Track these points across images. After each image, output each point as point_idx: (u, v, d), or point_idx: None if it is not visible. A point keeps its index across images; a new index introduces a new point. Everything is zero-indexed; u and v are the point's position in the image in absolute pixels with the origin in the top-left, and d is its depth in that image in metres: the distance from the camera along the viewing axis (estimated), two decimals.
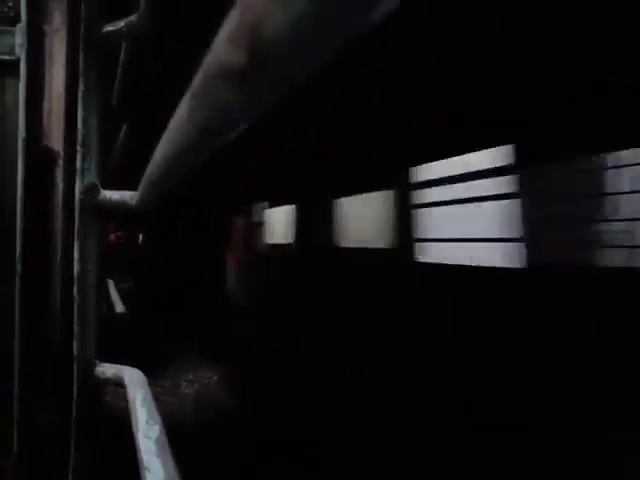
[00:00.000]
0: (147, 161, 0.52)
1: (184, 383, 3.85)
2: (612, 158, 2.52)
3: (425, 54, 3.41)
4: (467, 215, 3.52)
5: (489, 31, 3.01)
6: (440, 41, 3.23)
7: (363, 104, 4.28)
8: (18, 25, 0.85)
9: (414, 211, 4.02)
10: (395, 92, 3.89)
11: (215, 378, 3.98)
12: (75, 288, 0.81)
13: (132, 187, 0.77)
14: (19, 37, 0.85)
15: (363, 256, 4.66)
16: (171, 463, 0.44)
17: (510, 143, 3.08)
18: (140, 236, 16.99)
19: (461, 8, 2.76)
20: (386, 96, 4.00)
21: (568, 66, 2.66)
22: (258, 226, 7.60)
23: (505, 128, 3.09)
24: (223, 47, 0.18)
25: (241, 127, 0.23)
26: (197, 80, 0.22)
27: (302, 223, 5.76)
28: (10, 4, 0.86)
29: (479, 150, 3.31)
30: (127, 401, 0.61)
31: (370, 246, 4.66)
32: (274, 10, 0.15)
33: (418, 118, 3.73)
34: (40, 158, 0.88)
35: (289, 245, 6.27)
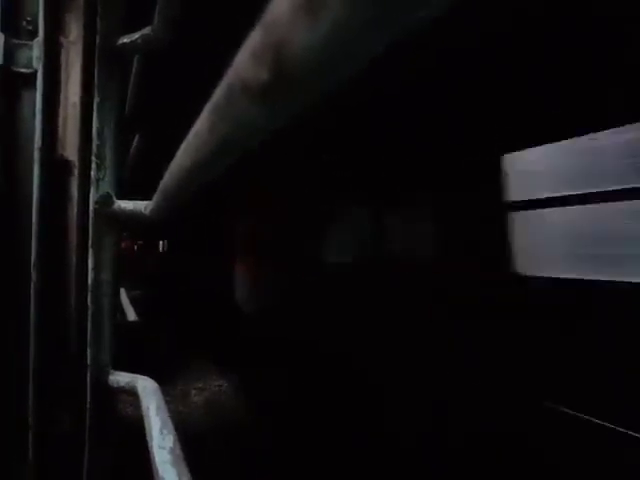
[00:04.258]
0: (160, 171, 0.53)
1: (194, 391, 3.85)
2: None
3: (443, 77, 3.42)
4: None
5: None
6: (460, 66, 3.24)
7: (384, 121, 4.29)
8: (36, 39, 0.86)
9: None
10: (417, 111, 3.90)
11: (225, 385, 3.97)
12: (89, 297, 0.82)
13: (145, 196, 0.78)
14: (37, 50, 0.87)
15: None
16: (186, 473, 0.44)
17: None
18: (153, 245, 17.16)
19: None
20: (407, 114, 4.01)
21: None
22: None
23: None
24: (246, 63, 0.18)
25: (261, 142, 0.23)
26: (218, 94, 0.23)
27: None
28: (28, 18, 0.88)
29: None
30: (140, 410, 0.61)
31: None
32: (298, 29, 0.15)
33: (437, 137, 3.73)
34: (55, 168, 0.90)
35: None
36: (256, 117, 0.20)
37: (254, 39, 0.18)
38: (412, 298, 3.96)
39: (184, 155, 0.34)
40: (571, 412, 2.65)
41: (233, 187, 8.35)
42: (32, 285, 0.85)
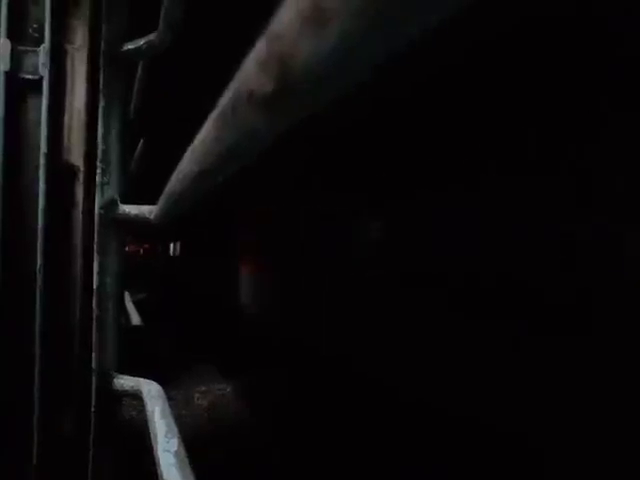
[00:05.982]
0: (165, 176, 0.53)
1: (197, 395, 3.85)
2: None
3: (448, 87, 3.42)
4: None
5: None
6: (463, 79, 3.24)
7: (389, 133, 4.29)
8: (42, 45, 0.87)
9: None
10: (421, 123, 3.89)
11: (228, 389, 3.97)
12: (94, 301, 0.82)
13: (149, 202, 0.78)
14: (42, 56, 0.87)
15: None
16: (191, 476, 0.44)
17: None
18: (157, 249, 17.18)
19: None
20: (411, 127, 4.00)
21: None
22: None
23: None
24: (252, 73, 0.19)
25: (266, 150, 0.23)
26: (223, 103, 0.23)
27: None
28: (34, 25, 0.89)
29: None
30: (145, 414, 0.62)
31: None
32: (304, 39, 0.16)
33: (445, 148, 3.71)
34: (61, 173, 0.90)
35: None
36: (261, 126, 0.20)
37: (260, 49, 0.18)
38: None
39: (189, 162, 0.34)
40: None
41: (236, 193, 8.36)
42: (37, 289, 0.86)
